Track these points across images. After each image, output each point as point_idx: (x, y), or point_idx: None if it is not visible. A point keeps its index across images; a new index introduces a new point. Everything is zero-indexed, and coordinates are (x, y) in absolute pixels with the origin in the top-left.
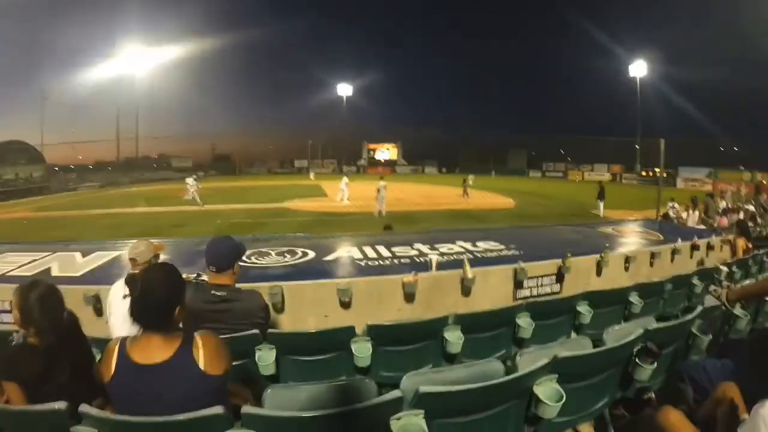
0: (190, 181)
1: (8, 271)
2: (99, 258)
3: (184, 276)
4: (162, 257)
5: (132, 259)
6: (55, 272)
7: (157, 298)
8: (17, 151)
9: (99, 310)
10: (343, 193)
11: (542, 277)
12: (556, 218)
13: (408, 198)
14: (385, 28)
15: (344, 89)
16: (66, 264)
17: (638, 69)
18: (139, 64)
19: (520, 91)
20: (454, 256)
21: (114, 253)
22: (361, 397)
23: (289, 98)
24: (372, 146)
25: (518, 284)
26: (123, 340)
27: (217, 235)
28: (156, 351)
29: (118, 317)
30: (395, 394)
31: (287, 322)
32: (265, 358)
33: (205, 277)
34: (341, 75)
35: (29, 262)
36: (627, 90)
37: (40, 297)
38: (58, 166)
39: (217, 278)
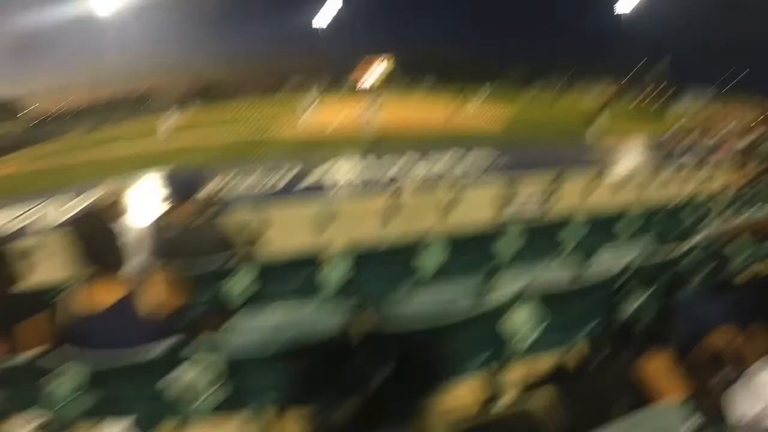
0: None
1: None
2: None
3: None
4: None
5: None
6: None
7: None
8: None
9: None
10: (318, 115)
11: (531, 195)
12: (551, 135)
13: (398, 118)
14: None
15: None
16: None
17: None
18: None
19: (520, 8)
20: (436, 177)
21: None
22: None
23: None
24: (363, 64)
25: (505, 202)
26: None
27: (174, 169)
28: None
29: None
30: None
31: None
32: (240, 284)
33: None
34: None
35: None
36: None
37: None
38: (41, 117)
39: (178, 213)
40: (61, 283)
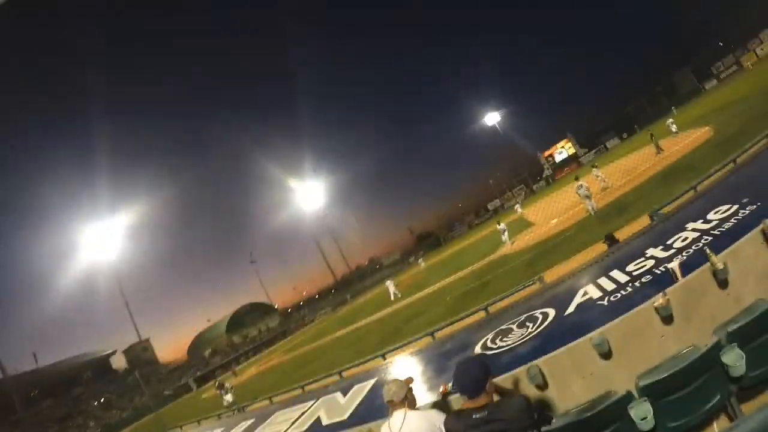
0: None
1: (285, 431)
2: (359, 392)
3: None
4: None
5: (390, 401)
6: (325, 421)
7: None
8: (252, 310)
9: None
10: (505, 234)
11: None
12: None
13: (618, 179)
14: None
15: (492, 118)
16: (332, 409)
17: None
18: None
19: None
20: (692, 248)
21: (370, 383)
22: None
23: (454, 161)
24: (547, 153)
25: None
26: None
27: (462, 361)
28: None
29: None
30: None
31: (555, 396)
32: None
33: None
34: (483, 110)
35: (300, 417)
36: None
37: None
38: (289, 308)
39: (474, 402)
40: None
